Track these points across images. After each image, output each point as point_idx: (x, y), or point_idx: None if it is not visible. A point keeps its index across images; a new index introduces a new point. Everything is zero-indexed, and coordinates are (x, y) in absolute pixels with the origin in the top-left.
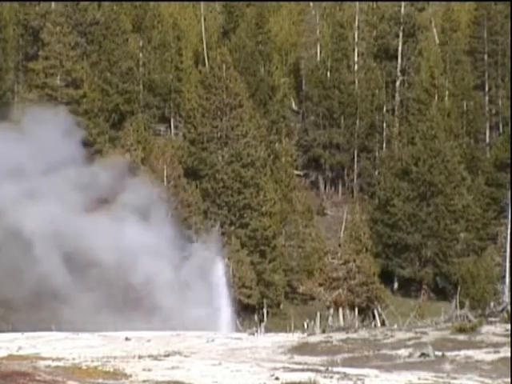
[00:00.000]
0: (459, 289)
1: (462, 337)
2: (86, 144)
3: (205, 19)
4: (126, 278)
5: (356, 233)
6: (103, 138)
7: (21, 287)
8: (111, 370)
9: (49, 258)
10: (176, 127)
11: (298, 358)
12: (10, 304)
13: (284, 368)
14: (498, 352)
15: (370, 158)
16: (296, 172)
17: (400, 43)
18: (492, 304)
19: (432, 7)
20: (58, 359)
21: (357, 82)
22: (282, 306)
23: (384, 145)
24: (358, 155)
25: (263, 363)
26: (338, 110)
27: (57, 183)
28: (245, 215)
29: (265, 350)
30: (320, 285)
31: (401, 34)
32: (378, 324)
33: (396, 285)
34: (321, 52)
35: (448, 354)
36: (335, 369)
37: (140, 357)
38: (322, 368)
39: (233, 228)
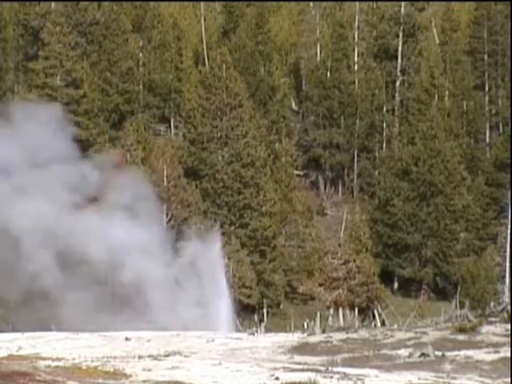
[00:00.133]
0: (459, 289)
1: (461, 337)
2: (79, 141)
3: (205, 19)
4: (116, 276)
5: (356, 233)
6: (103, 137)
7: (10, 286)
8: (111, 370)
9: (38, 256)
10: (176, 127)
11: (297, 358)
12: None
13: (284, 368)
14: (497, 352)
15: (370, 158)
16: (296, 172)
17: (400, 43)
18: (492, 304)
19: (432, 7)
20: (58, 359)
21: (357, 82)
22: (281, 306)
23: (384, 145)
24: (358, 155)
25: (263, 363)
26: (338, 110)
27: (46, 180)
28: (245, 215)
29: (265, 350)
30: (320, 285)
31: (401, 34)
32: (378, 324)
33: (396, 285)
34: (321, 52)
35: (448, 354)
36: (335, 369)
37: (140, 357)
38: (322, 368)
39: (233, 228)
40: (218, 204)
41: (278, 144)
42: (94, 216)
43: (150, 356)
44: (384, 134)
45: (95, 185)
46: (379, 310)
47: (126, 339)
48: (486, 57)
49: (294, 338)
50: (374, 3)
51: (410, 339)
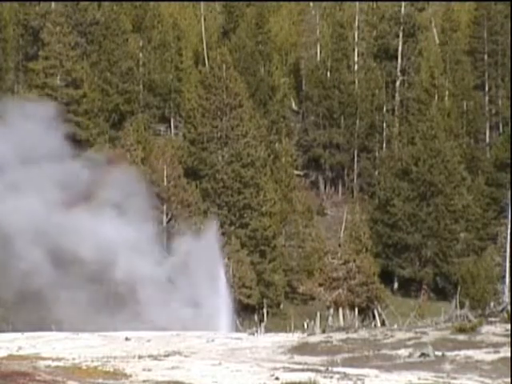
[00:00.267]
0: (459, 289)
1: (461, 337)
2: (79, 141)
3: (205, 19)
4: (108, 275)
5: (356, 233)
6: (103, 138)
7: (3, 284)
8: (111, 369)
9: (30, 254)
10: (176, 127)
11: (297, 357)
12: None
13: (284, 368)
14: (497, 352)
15: (370, 158)
16: (296, 172)
17: (400, 43)
18: (492, 304)
19: (432, 7)
20: (58, 359)
21: (357, 82)
22: (281, 306)
23: (384, 145)
24: (358, 155)
25: (263, 363)
26: (338, 110)
27: (38, 178)
28: (245, 215)
29: (265, 350)
30: (320, 285)
31: (401, 34)
32: (378, 324)
33: (396, 285)
34: (321, 52)
35: (448, 354)
36: (335, 369)
37: (140, 357)
38: (322, 368)
39: (233, 228)
40: (218, 204)
41: (278, 144)
42: (86, 214)
43: (150, 356)
44: (384, 134)
45: (87, 182)
46: (379, 309)
47: (126, 339)
48: (486, 57)
49: (294, 337)
50: (374, 3)
51: (409, 339)
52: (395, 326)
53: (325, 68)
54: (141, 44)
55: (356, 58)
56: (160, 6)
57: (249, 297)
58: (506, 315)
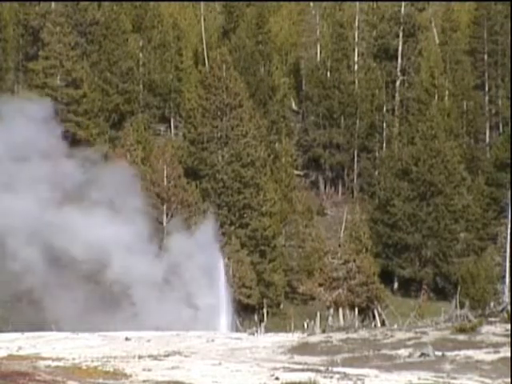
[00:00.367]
0: (459, 289)
1: (462, 337)
2: (78, 141)
3: (205, 19)
4: (102, 274)
5: (356, 233)
6: (103, 138)
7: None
8: (111, 369)
9: (24, 254)
10: (176, 127)
11: (297, 357)
12: None
13: (284, 368)
14: (498, 352)
15: (370, 158)
16: (296, 172)
17: (400, 43)
18: (492, 304)
19: (432, 7)
20: (58, 359)
21: (357, 82)
22: (281, 306)
23: (384, 145)
24: (358, 155)
25: (263, 363)
26: (338, 110)
27: (31, 176)
28: (245, 215)
29: (265, 350)
30: (320, 285)
31: (401, 34)
32: (378, 324)
33: (396, 285)
34: (321, 52)
35: (448, 354)
36: (335, 369)
37: (140, 357)
38: (322, 368)
39: (233, 228)
40: (218, 204)
41: (277, 144)
42: (79, 213)
43: (150, 356)
44: (384, 134)
45: (80, 181)
46: (379, 309)
47: (126, 339)
48: (486, 57)
49: (294, 337)
50: (374, 3)
51: (409, 339)
52: (395, 326)
53: (325, 68)
54: (141, 44)
55: (356, 58)
56: (160, 5)
57: (249, 297)
58: (506, 315)
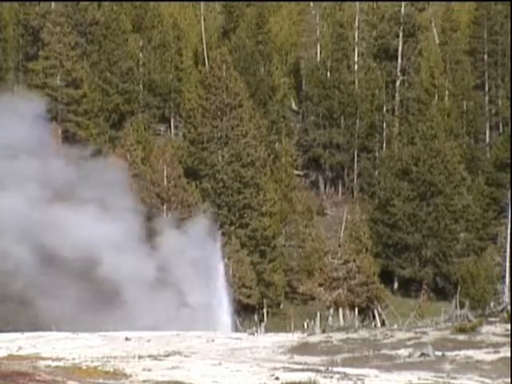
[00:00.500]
0: (459, 289)
1: (461, 337)
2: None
3: (205, 19)
4: (92, 273)
5: (356, 233)
6: (103, 137)
7: None
8: (111, 369)
9: (14, 251)
10: (176, 127)
11: (297, 357)
12: None
13: (284, 368)
14: (498, 352)
15: (370, 158)
16: (296, 172)
17: (400, 43)
18: (492, 304)
19: (432, 7)
20: (58, 359)
21: (357, 82)
22: (281, 306)
23: (384, 145)
24: (358, 155)
25: (263, 363)
26: (338, 110)
27: (20, 174)
28: (245, 215)
29: (265, 350)
30: (320, 285)
31: (401, 34)
32: (378, 324)
33: (396, 285)
34: (321, 52)
35: (448, 354)
36: (335, 369)
37: (140, 357)
38: (322, 368)
39: (233, 228)
40: (218, 204)
41: (277, 144)
42: (70, 211)
43: (150, 356)
44: (384, 133)
45: (71, 179)
46: (379, 309)
47: (126, 339)
48: (486, 57)
49: (294, 337)
50: (374, 3)
51: (409, 339)
52: (395, 326)
53: (325, 68)
54: (141, 44)
55: (356, 58)
56: (160, 5)
57: (249, 297)
58: (506, 315)
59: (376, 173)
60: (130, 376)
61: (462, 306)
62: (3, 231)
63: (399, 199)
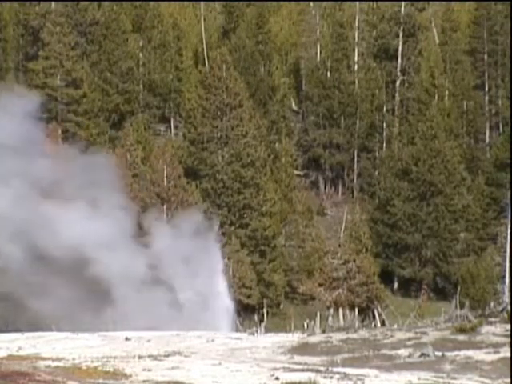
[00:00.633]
0: (459, 289)
1: (462, 337)
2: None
3: (205, 19)
4: (83, 272)
5: (356, 233)
6: (103, 138)
7: None
8: (111, 369)
9: (4, 250)
10: (176, 127)
11: (297, 358)
12: None
13: (284, 368)
14: (498, 352)
15: (370, 158)
16: (296, 172)
17: (400, 43)
18: (492, 304)
19: (432, 7)
20: (58, 359)
21: (357, 82)
22: (281, 306)
23: (384, 145)
24: (358, 155)
25: (263, 363)
26: (338, 110)
27: (9, 171)
28: (245, 215)
29: (265, 350)
30: (320, 285)
31: (401, 34)
32: (378, 324)
33: (396, 285)
34: (321, 52)
35: (448, 354)
36: (335, 369)
37: (140, 357)
38: (322, 368)
39: (233, 228)
40: (218, 204)
41: (277, 144)
42: (59, 209)
43: (150, 356)
44: (384, 133)
45: (60, 176)
46: (379, 309)
47: (126, 339)
48: (486, 57)
49: (294, 338)
50: (374, 3)
51: (409, 339)
52: (395, 326)
53: (325, 68)
54: (141, 44)
55: (356, 58)
56: (160, 5)
57: (249, 297)
58: (506, 315)
59: (376, 173)
60: (130, 376)
61: (462, 306)
62: None
63: (399, 199)
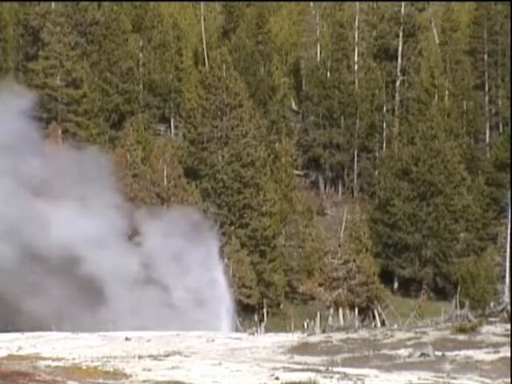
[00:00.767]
0: (459, 289)
1: (461, 337)
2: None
3: (205, 19)
4: (75, 271)
5: (356, 233)
6: (103, 138)
7: None
8: (111, 369)
9: None
10: (176, 127)
11: (297, 357)
12: None
13: (284, 368)
14: (498, 352)
15: (370, 158)
16: (296, 172)
17: (400, 43)
18: (492, 304)
19: (432, 7)
20: (58, 359)
21: (357, 82)
22: (281, 306)
23: (384, 145)
24: (358, 155)
25: (263, 363)
26: (338, 110)
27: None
28: (245, 215)
29: (265, 350)
30: (320, 285)
31: (401, 34)
32: (378, 324)
33: (396, 285)
34: (321, 52)
35: (448, 354)
36: (335, 369)
37: (140, 357)
38: (322, 368)
39: (233, 228)
40: (218, 204)
41: (277, 144)
42: (51, 207)
43: (150, 356)
44: (384, 133)
45: (51, 174)
46: (379, 309)
47: (126, 339)
48: (486, 57)
49: (294, 338)
50: (374, 3)
51: (409, 339)
52: (395, 326)
53: (325, 68)
54: (141, 44)
55: (356, 58)
56: (160, 5)
57: (249, 297)
58: (506, 315)
59: (376, 173)
60: (130, 376)
61: (462, 306)
62: None
63: (399, 199)
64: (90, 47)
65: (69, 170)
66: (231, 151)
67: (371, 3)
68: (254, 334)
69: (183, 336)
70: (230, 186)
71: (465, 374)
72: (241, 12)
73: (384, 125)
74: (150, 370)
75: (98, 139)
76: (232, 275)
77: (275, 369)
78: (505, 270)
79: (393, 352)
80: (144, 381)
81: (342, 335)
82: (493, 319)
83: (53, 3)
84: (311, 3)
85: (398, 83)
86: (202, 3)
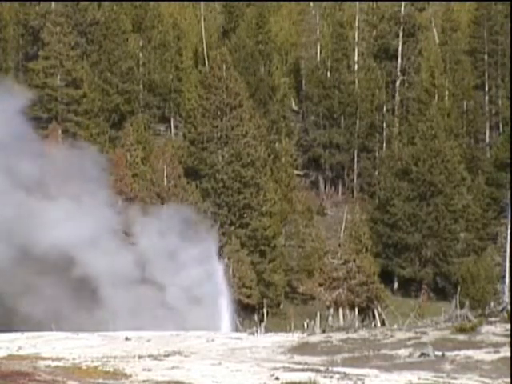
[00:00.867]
0: (459, 289)
1: (462, 337)
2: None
3: (205, 19)
4: (70, 270)
5: (356, 233)
6: (103, 138)
7: None
8: (111, 369)
9: None
10: (176, 127)
11: (297, 358)
12: None
13: (284, 368)
14: (498, 352)
15: (370, 158)
16: (296, 172)
17: (400, 43)
18: (492, 304)
19: (432, 7)
20: (58, 359)
21: (357, 82)
22: (281, 306)
23: (384, 145)
24: (358, 155)
25: (263, 363)
26: (338, 110)
27: None
28: (245, 215)
29: (265, 350)
30: (320, 285)
31: (401, 34)
32: (378, 324)
33: (396, 285)
34: (321, 52)
35: (448, 353)
36: (335, 369)
37: (140, 357)
38: (322, 368)
39: (233, 228)
40: (218, 204)
41: (277, 144)
42: (46, 205)
43: (150, 356)
44: (384, 133)
45: (44, 173)
46: (379, 309)
47: (126, 339)
48: (486, 57)
49: (294, 337)
50: (374, 3)
51: (409, 339)
52: (395, 326)
53: (325, 68)
54: (141, 44)
55: (356, 58)
56: (160, 5)
57: (249, 297)
58: (506, 315)
59: (376, 173)
60: (130, 376)
61: (462, 306)
62: None
63: (399, 199)
64: (90, 47)
65: (64, 170)
66: (231, 151)
67: (371, 3)
68: (253, 334)
69: (183, 336)
70: (229, 186)
71: (465, 373)
72: (241, 12)
73: (384, 125)
74: (149, 370)
75: (98, 139)
76: (232, 275)
77: (275, 369)
78: (505, 270)
79: (393, 352)
80: (144, 381)
81: (341, 335)
82: (493, 319)
83: (53, 3)
84: (311, 3)
85: (397, 83)
86: (201, 3)
